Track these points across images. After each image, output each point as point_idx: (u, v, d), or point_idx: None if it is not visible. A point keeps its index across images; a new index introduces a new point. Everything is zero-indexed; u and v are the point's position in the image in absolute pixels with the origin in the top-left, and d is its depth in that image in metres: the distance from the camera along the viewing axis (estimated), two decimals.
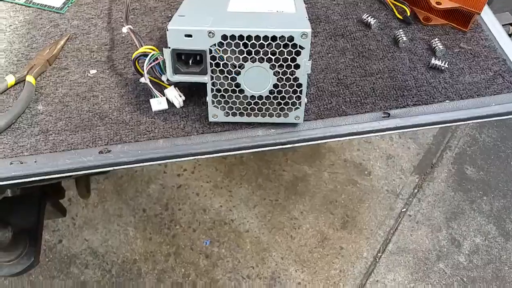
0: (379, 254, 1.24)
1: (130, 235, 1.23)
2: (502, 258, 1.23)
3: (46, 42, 0.60)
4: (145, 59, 0.50)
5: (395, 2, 0.62)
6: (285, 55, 0.46)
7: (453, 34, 0.60)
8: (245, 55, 0.46)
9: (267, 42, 0.45)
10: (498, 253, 1.24)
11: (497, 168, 1.39)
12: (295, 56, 0.46)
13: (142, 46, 0.52)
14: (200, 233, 1.24)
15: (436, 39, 0.58)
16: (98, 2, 0.65)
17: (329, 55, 0.58)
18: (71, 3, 0.65)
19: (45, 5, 0.65)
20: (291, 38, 0.45)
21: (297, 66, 0.46)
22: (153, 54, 0.50)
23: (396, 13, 0.62)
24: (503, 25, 0.63)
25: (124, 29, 0.55)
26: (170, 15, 0.63)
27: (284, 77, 0.47)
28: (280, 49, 0.45)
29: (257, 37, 0.45)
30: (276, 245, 1.23)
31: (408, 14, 0.61)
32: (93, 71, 0.57)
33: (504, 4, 0.76)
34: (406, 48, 0.59)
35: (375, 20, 0.60)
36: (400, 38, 0.59)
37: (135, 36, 0.54)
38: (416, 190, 1.34)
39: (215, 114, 0.50)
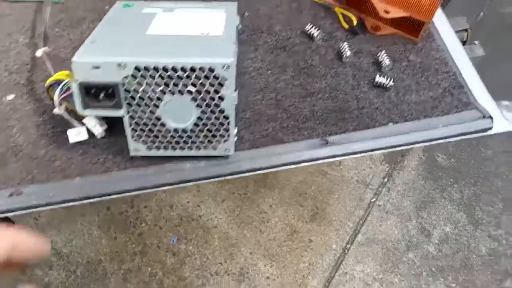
0: (348, 246, 1.23)
1: (95, 234, 1.20)
2: (470, 246, 1.23)
3: None
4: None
5: (342, 11, 0.57)
6: (207, 87, 0.41)
7: (402, 45, 0.56)
8: (162, 87, 0.42)
9: (186, 74, 0.41)
10: (467, 241, 1.24)
11: (468, 155, 1.38)
12: (218, 88, 0.41)
13: (55, 72, 0.48)
14: (167, 230, 1.22)
15: (383, 52, 0.54)
16: (21, 14, 0.60)
17: (269, 72, 0.54)
18: None
19: None
20: (211, 69, 0.40)
21: (222, 98, 0.42)
22: (66, 83, 0.45)
23: (343, 22, 0.57)
24: (457, 31, 0.59)
25: (39, 52, 0.50)
26: None
27: (208, 109, 0.43)
28: (200, 81, 0.41)
29: (174, 68, 0.40)
30: (244, 240, 1.22)
31: (355, 24, 0.56)
32: (10, 97, 0.52)
33: (462, 4, 0.72)
34: (351, 63, 0.55)
35: (318, 31, 0.56)
36: (344, 52, 0.54)
37: (49, 60, 0.49)
38: (386, 180, 1.33)
39: (137, 148, 0.46)
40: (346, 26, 0.57)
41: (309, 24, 0.56)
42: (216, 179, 0.47)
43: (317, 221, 1.26)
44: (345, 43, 0.55)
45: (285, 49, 0.56)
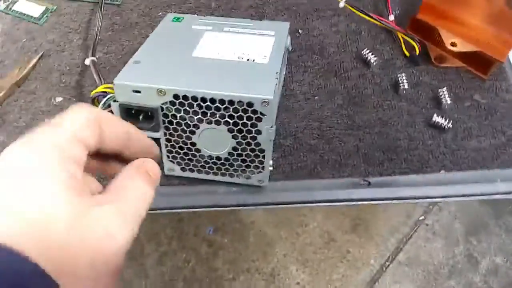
0: (387, 263, 1.19)
1: None
2: None
3: (20, 58, 0.56)
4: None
5: (405, 37, 0.52)
6: (244, 120, 0.40)
7: (468, 81, 0.51)
8: (199, 116, 0.40)
9: (224, 106, 0.39)
10: None
11: None
12: (256, 122, 0.40)
13: (102, 83, 0.48)
14: (205, 220, 1.23)
15: (445, 89, 0.49)
16: (78, 13, 0.60)
17: (316, 98, 0.51)
18: (51, 12, 0.61)
19: (24, 14, 0.61)
20: (250, 104, 0.38)
21: (259, 132, 0.40)
22: (108, 98, 0.45)
23: (404, 49, 0.52)
24: None
25: (87, 61, 0.50)
26: (149, 33, 0.57)
27: (244, 141, 0.41)
28: (238, 114, 0.39)
29: (212, 100, 0.39)
30: (280, 240, 1.21)
31: (417, 52, 0.51)
32: (59, 99, 0.53)
33: None
34: (407, 96, 0.50)
35: (375, 58, 0.52)
36: (401, 84, 0.50)
37: (96, 70, 0.49)
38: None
39: (171, 168, 0.45)
40: (407, 54, 0.52)
41: (365, 49, 0.52)
42: (248, 207, 0.46)
43: (358, 233, 1.22)
44: (403, 73, 0.50)
45: (336, 74, 0.53)
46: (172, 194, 0.46)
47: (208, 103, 0.39)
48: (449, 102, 0.48)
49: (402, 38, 0.52)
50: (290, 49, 0.51)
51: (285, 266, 1.19)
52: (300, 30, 0.56)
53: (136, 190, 0.26)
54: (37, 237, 0.19)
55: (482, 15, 0.48)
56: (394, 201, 0.45)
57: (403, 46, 0.52)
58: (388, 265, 1.19)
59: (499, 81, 0.50)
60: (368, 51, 0.52)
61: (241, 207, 0.46)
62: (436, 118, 0.47)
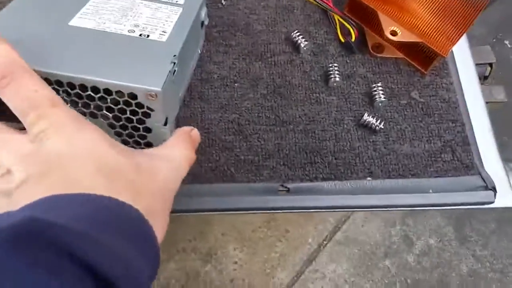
0: (324, 242, 1.17)
1: None
2: (452, 263, 1.16)
3: None
4: None
5: (341, 20, 0.45)
6: (128, 115, 0.32)
7: (407, 75, 0.45)
8: (74, 103, 0.32)
9: (99, 95, 0.31)
10: (449, 257, 1.17)
11: None
12: (143, 118, 0.32)
13: None
14: None
15: (379, 84, 0.43)
16: None
17: (236, 84, 0.44)
18: None
19: None
20: (132, 96, 0.31)
21: (148, 130, 0.33)
22: None
23: (340, 34, 0.46)
24: (477, 65, 0.47)
25: None
26: None
27: (131, 140, 0.34)
28: (119, 106, 0.32)
29: (83, 86, 0.31)
30: (219, 219, 1.16)
31: (353, 39, 0.45)
32: None
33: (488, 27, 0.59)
34: (338, 90, 0.44)
35: (307, 42, 0.45)
36: (332, 74, 0.44)
37: None
38: None
39: None
40: (342, 39, 0.46)
41: (296, 31, 0.45)
42: None
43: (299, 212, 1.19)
44: (335, 63, 0.44)
45: (262, 58, 0.45)
46: None
47: (78, 90, 0.31)
48: (382, 99, 0.43)
49: (338, 20, 0.46)
50: (206, 23, 0.43)
51: (223, 245, 1.15)
52: (223, 1, 0.47)
53: (184, 150, 0.31)
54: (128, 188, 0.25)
55: (428, 4, 0.42)
56: (313, 211, 0.40)
57: (339, 30, 0.46)
58: (326, 244, 1.18)
59: (440, 78, 0.45)
60: (298, 34, 0.45)
61: None
62: (367, 118, 0.42)
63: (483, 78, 0.48)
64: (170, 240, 1.13)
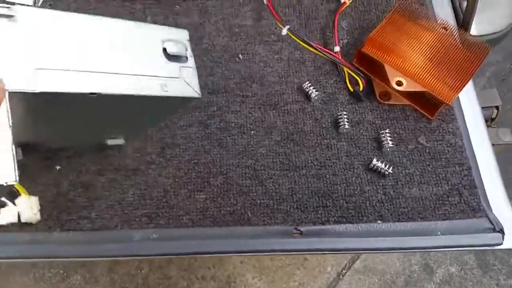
0: (343, 271, 1.18)
1: None
2: None
3: None
4: None
5: (350, 72, 0.49)
6: None
7: (414, 121, 0.48)
8: None
9: None
10: (472, 286, 1.16)
11: None
12: None
13: None
14: None
15: (387, 131, 0.46)
16: None
17: (252, 132, 0.47)
18: None
19: None
20: None
21: None
22: None
23: (348, 84, 0.49)
24: (483, 108, 0.49)
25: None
26: None
27: None
28: None
29: None
30: None
31: (361, 88, 0.48)
32: None
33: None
34: (347, 136, 0.47)
35: (317, 92, 0.48)
36: (341, 122, 0.47)
37: None
38: None
39: None
40: (351, 89, 0.49)
41: (307, 82, 0.48)
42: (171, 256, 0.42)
43: None
44: (344, 112, 0.47)
45: (276, 107, 0.49)
46: None
47: None
48: (390, 145, 0.45)
49: (347, 72, 0.49)
50: (191, 55, 0.40)
51: (241, 273, 1.16)
52: (240, 55, 0.51)
53: None
54: None
55: (431, 56, 0.45)
56: (327, 253, 0.42)
57: (347, 80, 0.49)
58: (345, 273, 1.18)
59: (446, 123, 0.47)
60: (309, 85, 0.48)
61: (166, 256, 0.42)
62: (376, 163, 0.44)
63: (490, 121, 0.50)
64: (190, 268, 1.15)
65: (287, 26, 0.49)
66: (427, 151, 0.46)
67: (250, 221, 0.43)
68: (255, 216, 0.43)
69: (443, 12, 0.53)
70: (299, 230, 0.42)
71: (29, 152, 0.39)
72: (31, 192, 0.43)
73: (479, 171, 0.45)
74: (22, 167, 0.31)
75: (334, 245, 0.42)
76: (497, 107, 0.50)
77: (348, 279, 1.17)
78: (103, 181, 0.44)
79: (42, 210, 0.43)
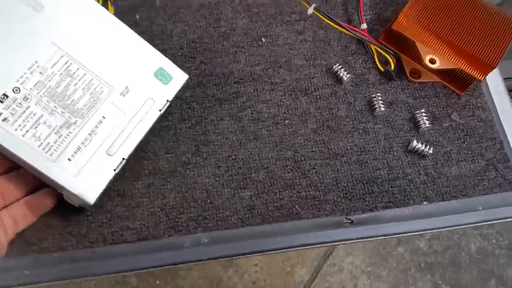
0: None
1: None
2: (461, 244, 1.22)
3: None
4: None
5: (379, 50, 0.47)
6: None
7: (444, 98, 0.48)
8: None
9: None
10: (458, 239, 1.23)
11: None
12: None
13: None
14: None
15: (422, 111, 0.46)
16: None
17: (287, 121, 0.46)
18: None
19: None
20: None
21: None
22: None
23: (378, 64, 0.48)
24: (506, 79, 0.50)
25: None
26: None
27: None
28: None
29: None
30: None
31: (392, 67, 0.47)
32: None
33: None
34: (383, 118, 0.46)
35: (348, 75, 0.47)
36: (376, 104, 0.46)
37: None
38: None
39: None
40: (382, 69, 0.48)
41: (337, 64, 0.47)
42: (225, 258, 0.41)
43: None
44: (378, 94, 0.46)
45: (307, 92, 0.47)
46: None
47: None
48: (427, 125, 0.45)
49: (376, 50, 0.48)
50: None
51: None
52: (263, 38, 0.49)
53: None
54: None
55: (464, 30, 0.45)
56: (379, 238, 0.43)
57: (377, 60, 0.48)
58: None
59: (475, 98, 0.48)
60: (339, 67, 0.47)
61: (219, 259, 0.41)
62: (416, 144, 0.44)
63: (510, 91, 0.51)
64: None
65: (313, 5, 0.47)
66: (461, 127, 0.47)
67: (300, 215, 0.42)
68: (303, 209, 0.42)
69: None
70: (350, 219, 0.42)
71: None
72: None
73: (510, 145, 0.46)
74: None
75: (385, 231, 0.42)
76: None
77: (343, 246, 1.21)
78: (139, 186, 0.42)
79: (79, 226, 0.40)
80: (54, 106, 0.36)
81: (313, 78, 0.48)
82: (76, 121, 0.37)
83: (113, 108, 0.38)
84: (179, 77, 0.42)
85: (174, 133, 0.44)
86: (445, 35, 0.45)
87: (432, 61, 0.45)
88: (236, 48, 0.48)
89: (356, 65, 0.49)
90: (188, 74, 0.43)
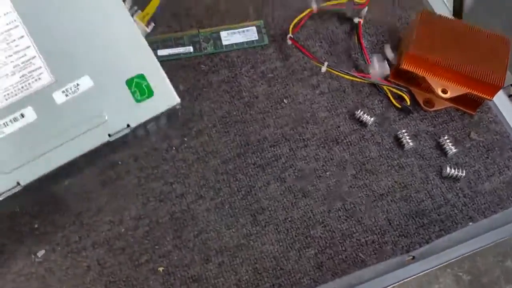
0: None
1: None
2: None
3: None
4: None
5: (392, 89, 0.51)
6: None
7: (460, 120, 0.52)
8: None
9: None
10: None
11: None
12: None
13: None
14: None
15: (446, 137, 0.50)
16: None
17: (328, 173, 0.48)
18: None
19: None
20: None
21: None
22: None
23: (394, 101, 0.51)
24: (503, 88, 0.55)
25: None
26: None
27: None
28: None
29: None
30: None
31: (408, 103, 0.51)
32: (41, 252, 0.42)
33: None
34: (412, 151, 0.50)
35: (370, 117, 0.50)
36: (404, 140, 0.49)
37: None
38: None
39: None
40: (398, 105, 0.51)
41: (359, 110, 0.50)
42: None
43: None
44: (403, 129, 0.50)
45: (338, 142, 0.50)
46: None
47: None
48: (454, 150, 0.49)
49: (389, 90, 0.51)
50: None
51: None
52: (284, 100, 0.51)
53: None
54: None
55: (471, 57, 0.49)
56: (439, 266, 0.45)
57: (392, 99, 0.51)
58: None
59: (485, 113, 0.52)
60: (361, 112, 0.50)
61: None
62: (450, 170, 0.48)
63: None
64: None
65: (326, 63, 0.50)
66: (481, 144, 0.51)
67: (365, 262, 0.44)
68: (367, 256, 0.44)
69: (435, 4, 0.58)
70: (411, 255, 0.45)
71: None
72: None
73: None
74: None
75: (444, 259, 0.45)
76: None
77: None
78: (211, 268, 0.42)
79: None
80: None
81: (339, 126, 0.50)
82: None
83: (43, 106, 0.26)
84: (164, 98, 0.30)
85: (230, 208, 0.45)
86: (450, 65, 0.49)
87: (444, 91, 0.49)
88: (263, 114, 0.50)
89: (374, 106, 0.52)
90: (226, 147, 0.45)
